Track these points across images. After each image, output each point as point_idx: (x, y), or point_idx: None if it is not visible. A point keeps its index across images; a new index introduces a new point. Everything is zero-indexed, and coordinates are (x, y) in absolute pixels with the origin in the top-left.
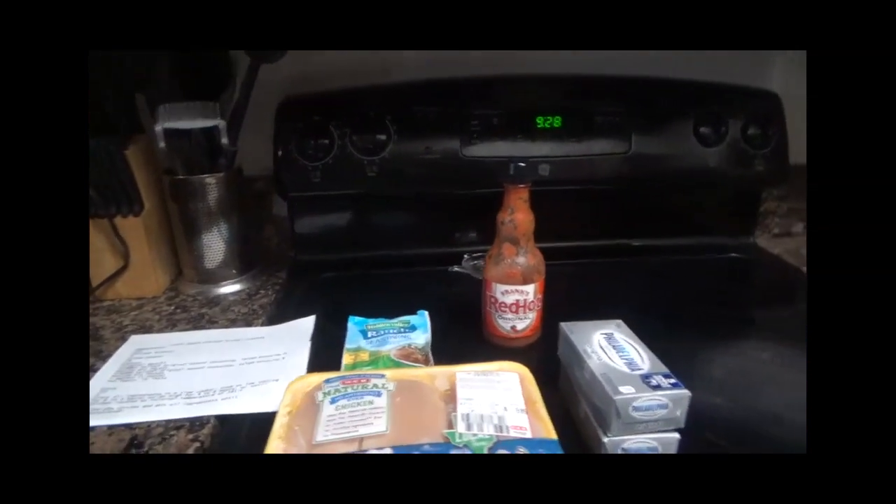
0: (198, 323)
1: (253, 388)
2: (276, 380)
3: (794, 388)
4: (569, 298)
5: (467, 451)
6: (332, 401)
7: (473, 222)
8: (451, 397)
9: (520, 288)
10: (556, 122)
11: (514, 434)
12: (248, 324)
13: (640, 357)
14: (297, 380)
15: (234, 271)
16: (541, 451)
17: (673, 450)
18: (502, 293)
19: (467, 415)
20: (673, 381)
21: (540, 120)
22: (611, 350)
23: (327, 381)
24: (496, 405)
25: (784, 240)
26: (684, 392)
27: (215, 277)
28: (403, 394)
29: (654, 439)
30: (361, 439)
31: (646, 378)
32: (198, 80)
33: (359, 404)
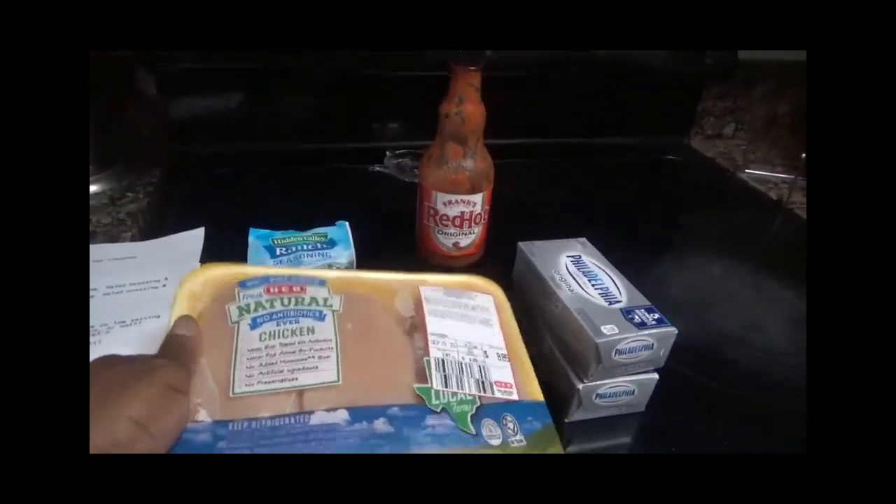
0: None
1: (123, 328)
2: (157, 316)
3: (747, 306)
4: (505, 205)
5: (447, 420)
6: (254, 323)
7: (398, 109)
8: (416, 327)
9: (466, 198)
10: None
11: (498, 394)
12: (113, 239)
13: (616, 285)
14: (193, 274)
15: (89, 167)
16: (531, 419)
17: (649, 391)
18: (445, 203)
19: (442, 361)
20: (657, 316)
21: None
22: (581, 277)
23: (243, 283)
24: (475, 348)
25: (716, 142)
26: (671, 330)
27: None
28: (355, 318)
29: (631, 382)
30: (301, 392)
31: (627, 314)
32: None
33: (293, 333)
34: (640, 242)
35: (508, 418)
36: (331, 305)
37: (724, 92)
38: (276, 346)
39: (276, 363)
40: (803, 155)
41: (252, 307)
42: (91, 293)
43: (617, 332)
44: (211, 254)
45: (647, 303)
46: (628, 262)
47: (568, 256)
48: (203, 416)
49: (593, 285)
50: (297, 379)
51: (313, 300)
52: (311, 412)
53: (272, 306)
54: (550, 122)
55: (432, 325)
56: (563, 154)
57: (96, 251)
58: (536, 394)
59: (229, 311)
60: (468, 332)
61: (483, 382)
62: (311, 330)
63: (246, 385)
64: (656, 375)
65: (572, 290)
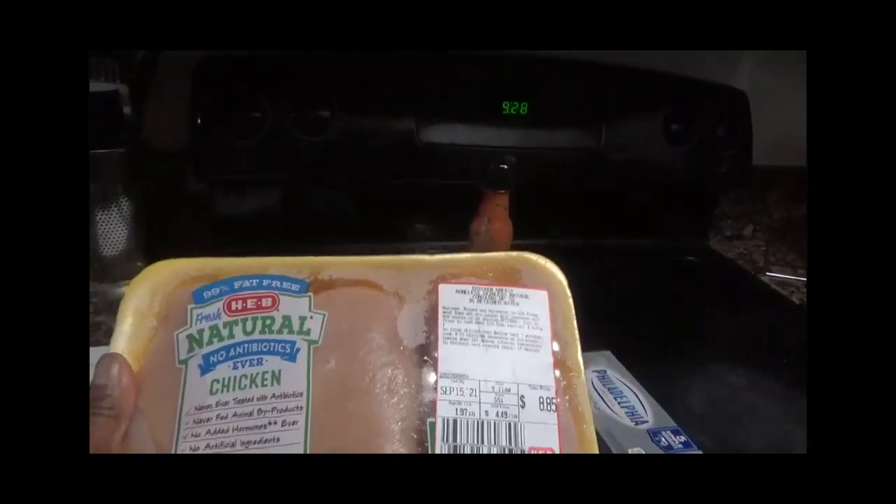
0: (93, 336)
1: None
2: None
3: (774, 422)
4: None
5: None
6: (206, 364)
7: (426, 214)
8: (425, 357)
9: None
10: (523, 108)
11: None
12: None
13: (641, 404)
14: (137, 280)
15: (139, 265)
16: None
17: None
18: None
19: (453, 424)
20: (683, 439)
21: (506, 105)
22: (607, 394)
23: (199, 294)
24: (507, 391)
25: (735, 242)
26: (697, 454)
27: (114, 274)
28: (338, 351)
29: None
30: None
31: (654, 435)
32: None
33: (254, 383)
34: (662, 350)
35: None
36: (307, 332)
37: (741, 196)
38: (229, 405)
39: (229, 431)
40: None
41: (206, 337)
42: None
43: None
44: None
45: (673, 424)
46: (651, 373)
47: (594, 371)
48: None
49: (619, 403)
50: (249, 451)
51: (286, 322)
52: None
53: (231, 335)
54: (571, 224)
55: (448, 359)
56: (584, 256)
57: None
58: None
59: (178, 343)
60: (501, 365)
61: (511, 452)
62: (276, 377)
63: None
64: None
65: (598, 409)
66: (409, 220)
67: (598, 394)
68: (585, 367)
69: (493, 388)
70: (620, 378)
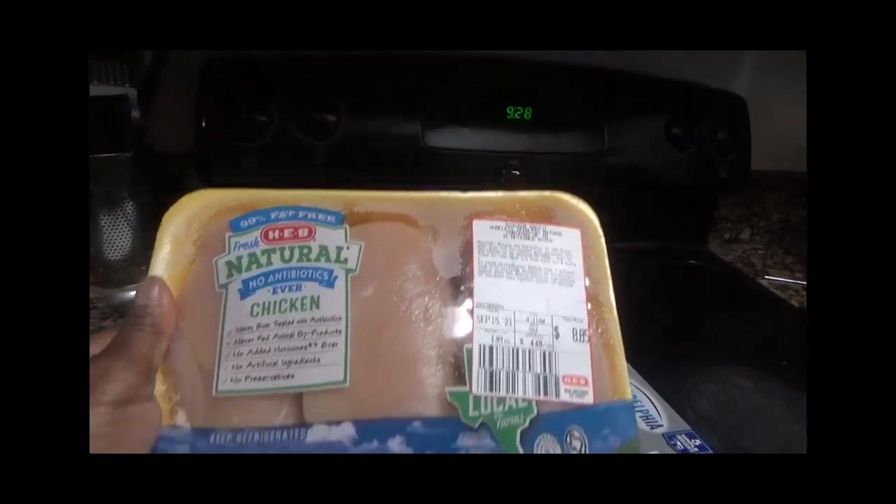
0: None
1: None
2: None
3: (779, 422)
4: None
5: (487, 439)
6: (245, 289)
7: None
8: (460, 289)
9: None
10: (528, 113)
11: (566, 396)
12: None
13: (655, 408)
14: (177, 208)
15: (144, 269)
16: (608, 432)
17: None
18: None
19: (490, 350)
20: (698, 442)
21: (510, 110)
22: None
23: (236, 224)
24: (542, 322)
25: (733, 245)
26: (697, 454)
27: (119, 278)
28: (376, 280)
29: None
30: (299, 397)
31: (670, 439)
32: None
33: (293, 307)
34: (667, 353)
35: (575, 433)
36: (345, 261)
37: (740, 200)
38: (270, 327)
39: (270, 351)
40: None
41: (244, 264)
42: None
43: None
44: None
45: (687, 427)
46: (658, 376)
47: None
48: (181, 419)
49: (635, 408)
50: (293, 376)
51: (323, 251)
52: (309, 425)
53: (269, 262)
54: None
55: (483, 290)
56: None
57: None
58: (622, 391)
59: (217, 269)
60: (535, 297)
61: (546, 379)
62: (315, 302)
63: (232, 381)
64: None
65: None
66: None
67: None
68: None
69: (528, 318)
70: (633, 382)
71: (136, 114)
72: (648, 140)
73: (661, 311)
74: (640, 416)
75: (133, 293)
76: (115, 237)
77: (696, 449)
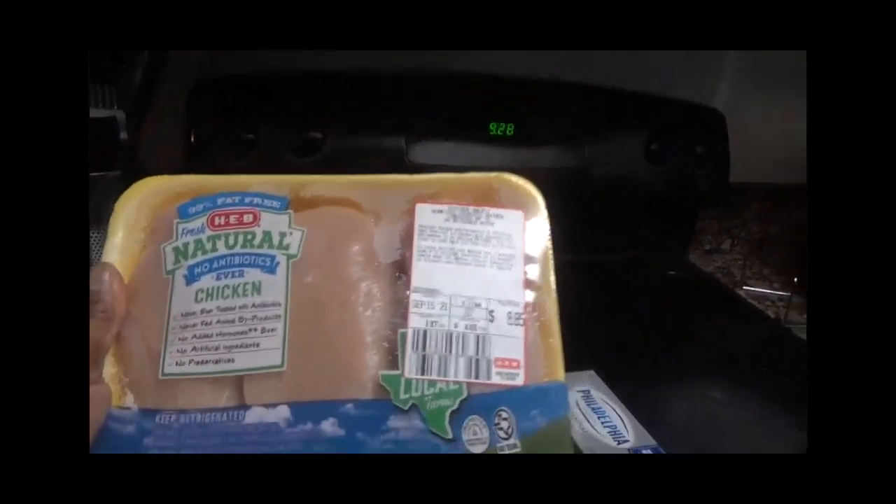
0: None
1: None
2: None
3: (750, 436)
4: None
5: (416, 420)
6: (190, 275)
7: None
8: (401, 272)
9: None
10: (510, 129)
11: (497, 378)
12: None
13: (623, 423)
14: (126, 196)
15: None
16: (536, 412)
17: None
18: None
19: (423, 334)
20: None
21: (493, 126)
22: (591, 414)
23: (184, 210)
24: (477, 306)
25: (714, 256)
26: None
27: None
28: (316, 266)
29: None
30: (240, 380)
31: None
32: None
33: (235, 293)
34: (644, 367)
35: (504, 413)
36: (287, 247)
37: (719, 212)
38: (213, 312)
39: (213, 336)
40: (795, 279)
41: (191, 250)
42: None
43: None
44: None
45: (653, 442)
46: (633, 391)
47: (578, 391)
48: (130, 400)
49: (602, 423)
50: (233, 361)
51: (266, 237)
52: (248, 407)
53: (214, 248)
54: (555, 240)
55: (421, 275)
56: (566, 273)
57: None
58: (555, 372)
59: (164, 255)
60: (472, 281)
61: (478, 362)
62: (256, 288)
63: (177, 364)
64: None
65: (583, 429)
66: None
67: (582, 414)
68: (570, 388)
69: (464, 303)
70: (604, 398)
71: (124, 135)
72: (628, 154)
73: (640, 322)
74: (608, 431)
75: None
76: (101, 253)
77: None
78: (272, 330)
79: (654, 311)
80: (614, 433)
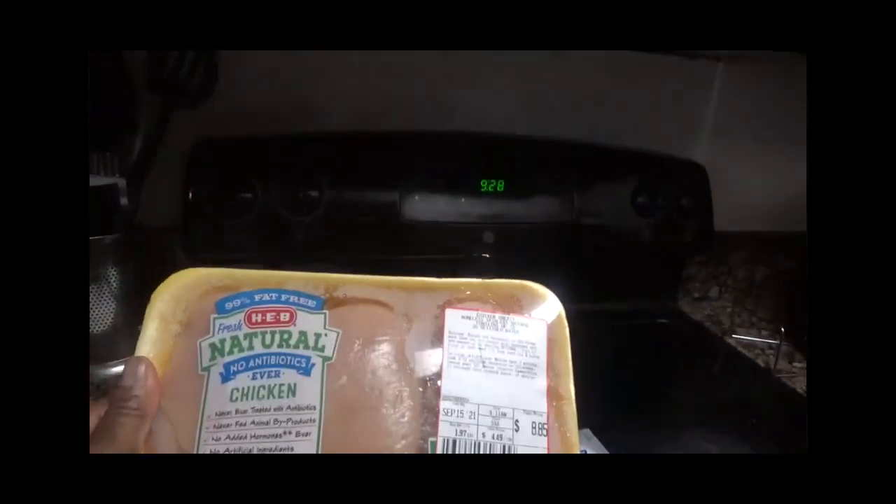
0: None
1: None
2: None
3: None
4: None
5: None
6: (226, 373)
7: None
8: (430, 379)
9: None
10: (500, 185)
11: None
12: None
13: None
14: (166, 285)
15: (126, 344)
16: None
17: None
18: None
19: (453, 443)
20: None
21: (484, 183)
22: None
23: (221, 305)
24: (503, 415)
25: (703, 303)
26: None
27: (103, 354)
28: (350, 369)
29: None
30: None
31: None
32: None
33: (271, 394)
34: (639, 422)
35: None
36: (322, 348)
37: (706, 260)
38: (248, 413)
39: (247, 438)
40: (782, 329)
41: (227, 347)
42: None
43: None
44: None
45: None
46: (626, 444)
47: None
48: None
49: None
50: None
51: (302, 337)
52: None
53: (251, 347)
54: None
55: (451, 382)
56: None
57: None
58: None
59: (200, 350)
60: (499, 389)
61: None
62: (292, 390)
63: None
64: None
65: None
66: None
67: None
68: None
69: (491, 411)
70: (592, 450)
71: (124, 201)
72: (616, 208)
73: (630, 371)
74: None
75: (116, 369)
76: (98, 310)
77: None
78: (307, 434)
79: (647, 361)
80: None
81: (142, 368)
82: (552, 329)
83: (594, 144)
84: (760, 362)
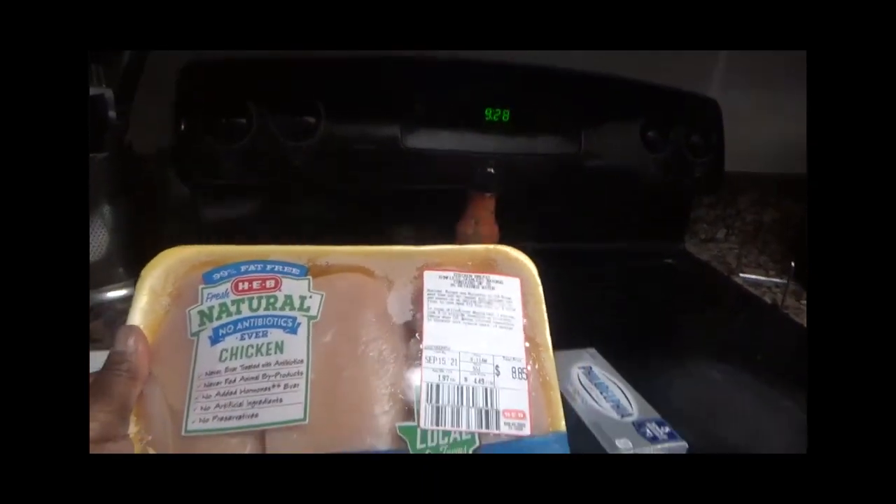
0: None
1: None
2: None
3: (750, 415)
4: None
5: None
6: (215, 336)
7: (411, 219)
8: (412, 332)
9: None
10: (505, 115)
11: (505, 428)
12: None
13: (626, 397)
14: (156, 261)
15: (121, 271)
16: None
17: None
18: None
19: (436, 388)
20: (668, 430)
21: (489, 112)
22: (593, 389)
23: (209, 276)
24: (484, 361)
25: (709, 245)
26: (681, 444)
27: (97, 280)
28: (335, 327)
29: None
30: (262, 433)
31: (639, 427)
32: None
33: (259, 352)
34: (643, 349)
35: None
36: (307, 309)
37: (714, 201)
38: (237, 370)
39: (236, 393)
40: (792, 263)
41: (216, 313)
42: None
43: (631, 446)
44: None
45: (657, 416)
46: (633, 370)
47: (580, 367)
48: None
49: (605, 397)
50: (257, 416)
51: (287, 300)
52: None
53: (238, 311)
54: (553, 230)
55: (431, 333)
56: (566, 260)
57: None
58: (557, 423)
59: (190, 318)
60: (478, 339)
61: (487, 413)
62: (279, 347)
63: (201, 421)
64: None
65: (585, 403)
66: (393, 225)
67: (585, 389)
68: (571, 364)
69: (472, 358)
70: (605, 374)
71: (112, 114)
72: (624, 142)
73: (637, 309)
74: (611, 406)
75: (110, 294)
76: (92, 238)
77: (665, 436)
78: (295, 386)
79: (653, 297)
80: (617, 407)
81: (132, 336)
82: (526, 285)
83: (604, 75)
84: (767, 300)
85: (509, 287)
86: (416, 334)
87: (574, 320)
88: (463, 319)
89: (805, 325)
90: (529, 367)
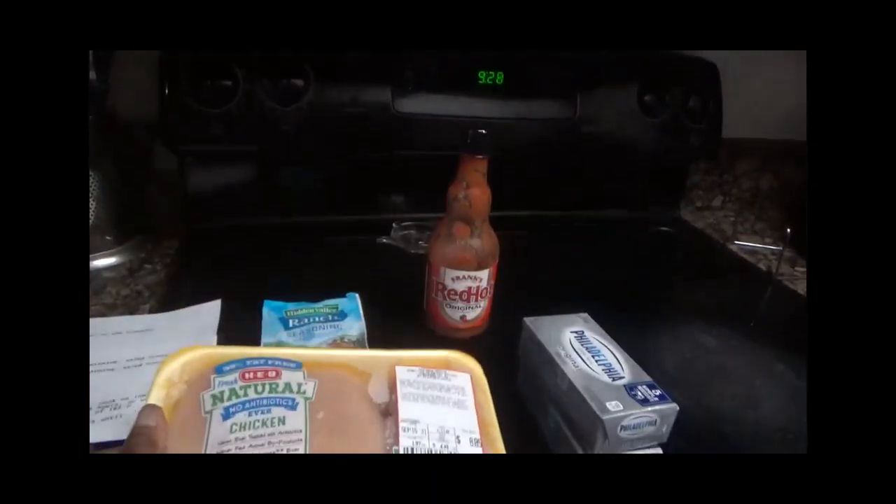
0: None
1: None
2: None
3: (742, 380)
4: (508, 279)
5: None
6: (226, 413)
7: (402, 186)
8: (389, 412)
9: (473, 274)
10: (499, 78)
11: None
12: (131, 311)
13: (618, 361)
14: (170, 359)
15: (108, 239)
16: None
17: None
18: (453, 279)
19: (411, 451)
20: (658, 392)
21: (482, 75)
22: (585, 353)
23: (220, 369)
24: (447, 433)
25: (705, 213)
26: (672, 406)
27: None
28: (326, 406)
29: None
30: None
31: (630, 390)
32: None
33: (264, 424)
34: (637, 315)
35: None
36: (304, 392)
37: (711, 167)
38: (245, 439)
39: None
40: (788, 230)
41: (226, 395)
42: (111, 366)
43: (622, 408)
44: (227, 326)
45: (648, 379)
46: (626, 335)
47: (571, 332)
48: None
49: (597, 361)
50: None
51: (287, 386)
52: None
53: (245, 394)
54: (547, 196)
55: (405, 409)
56: (560, 226)
57: (115, 323)
58: None
59: (203, 400)
60: (442, 416)
61: None
62: (281, 420)
63: None
64: (660, 450)
65: (577, 366)
66: (384, 191)
67: (577, 353)
68: (564, 328)
69: (438, 429)
70: (597, 337)
71: (92, 75)
72: (620, 107)
73: (631, 276)
74: (603, 369)
75: (99, 261)
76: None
77: (656, 398)
78: (296, 450)
79: (647, 264)
80: (609, 370)
81: (154, 412)
82: (474, 379)
83: None
84: (762, 267)
85: (462, 380)
86: (393, 412)
87: (567, 286)
88: (429, 401)
89: (799, 291)
90: (482, 438)
